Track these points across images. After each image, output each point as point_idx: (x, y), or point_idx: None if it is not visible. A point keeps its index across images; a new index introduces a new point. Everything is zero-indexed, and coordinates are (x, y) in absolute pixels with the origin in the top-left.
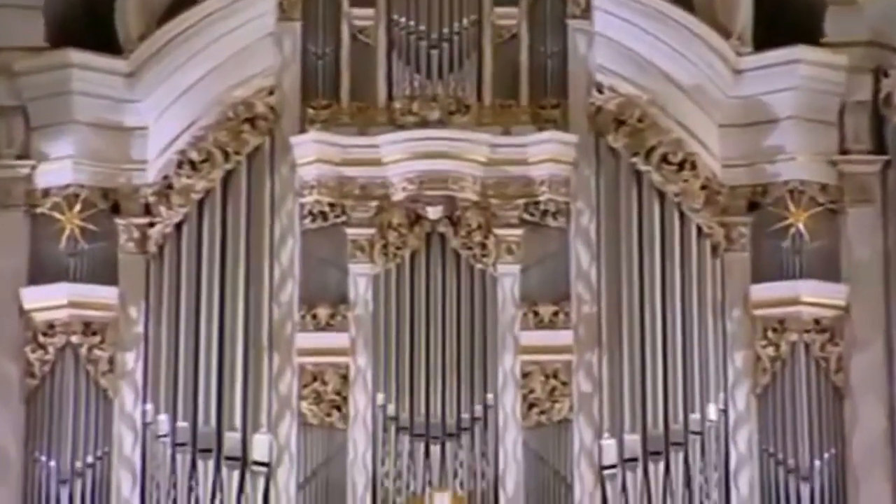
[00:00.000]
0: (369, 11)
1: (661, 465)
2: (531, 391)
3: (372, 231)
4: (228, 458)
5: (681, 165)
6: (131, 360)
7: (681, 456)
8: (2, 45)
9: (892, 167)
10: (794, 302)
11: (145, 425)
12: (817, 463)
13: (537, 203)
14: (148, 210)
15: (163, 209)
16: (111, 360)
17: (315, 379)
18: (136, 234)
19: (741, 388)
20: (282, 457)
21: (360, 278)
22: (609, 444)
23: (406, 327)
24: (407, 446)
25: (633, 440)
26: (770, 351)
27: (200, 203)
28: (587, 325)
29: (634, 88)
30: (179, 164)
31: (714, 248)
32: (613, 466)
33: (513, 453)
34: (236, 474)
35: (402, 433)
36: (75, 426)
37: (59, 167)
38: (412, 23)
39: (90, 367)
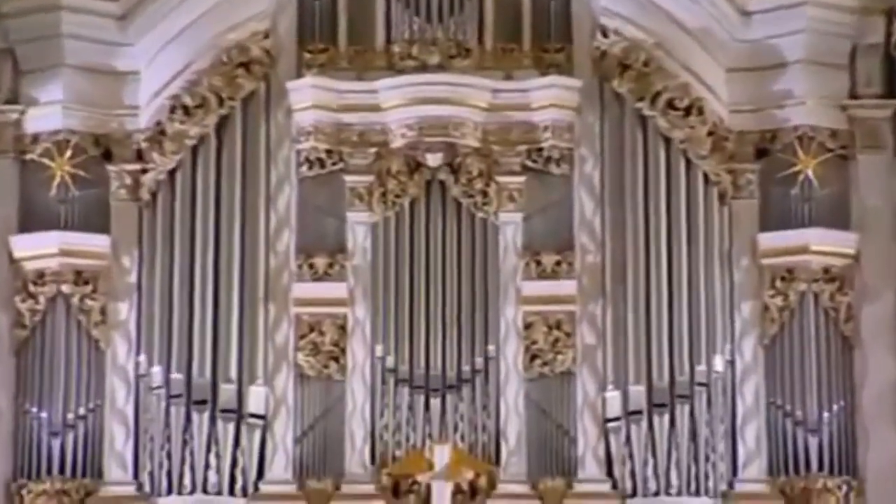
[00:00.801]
0: None
1: (666, 418)
2: (533, 342)
3: (370, 178)
4: (224, 411)
5: (687, 111)
6: (124, 310)
7: (686, 408)
8: None
9: None
10: (803, 250)
11: (139, 377)
12: (826, 415)
13: (540, 149)
14: (140, 156)
15: (155, 155)
16: (103, 311)
17: (312, 330)
18: (128, 181)
19: (748, 339)
20: (278, 409)
21: (359, 227)
22: (613, 396)
23: (405, 277)
24: (406, 398)
25: (637, 392)
26: (778, 301)
27: (194, 149)
28: (591, 275)
29: (640, 32)
30: (172, 110)
31: (721, 196)
32: (617, 419)
33: (514, 406)
34: (232, 427)
35: (401, 385)
36: (67, 378)
37: (49, 112)
38: None
39: (82, 318)
